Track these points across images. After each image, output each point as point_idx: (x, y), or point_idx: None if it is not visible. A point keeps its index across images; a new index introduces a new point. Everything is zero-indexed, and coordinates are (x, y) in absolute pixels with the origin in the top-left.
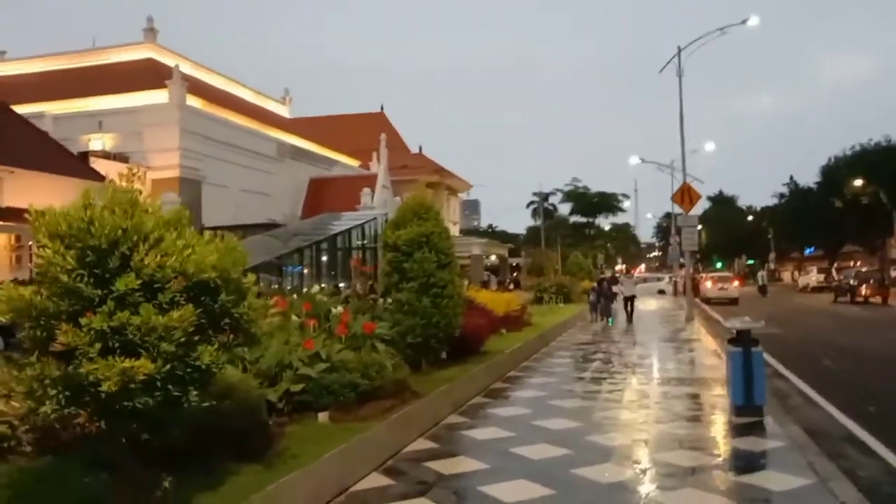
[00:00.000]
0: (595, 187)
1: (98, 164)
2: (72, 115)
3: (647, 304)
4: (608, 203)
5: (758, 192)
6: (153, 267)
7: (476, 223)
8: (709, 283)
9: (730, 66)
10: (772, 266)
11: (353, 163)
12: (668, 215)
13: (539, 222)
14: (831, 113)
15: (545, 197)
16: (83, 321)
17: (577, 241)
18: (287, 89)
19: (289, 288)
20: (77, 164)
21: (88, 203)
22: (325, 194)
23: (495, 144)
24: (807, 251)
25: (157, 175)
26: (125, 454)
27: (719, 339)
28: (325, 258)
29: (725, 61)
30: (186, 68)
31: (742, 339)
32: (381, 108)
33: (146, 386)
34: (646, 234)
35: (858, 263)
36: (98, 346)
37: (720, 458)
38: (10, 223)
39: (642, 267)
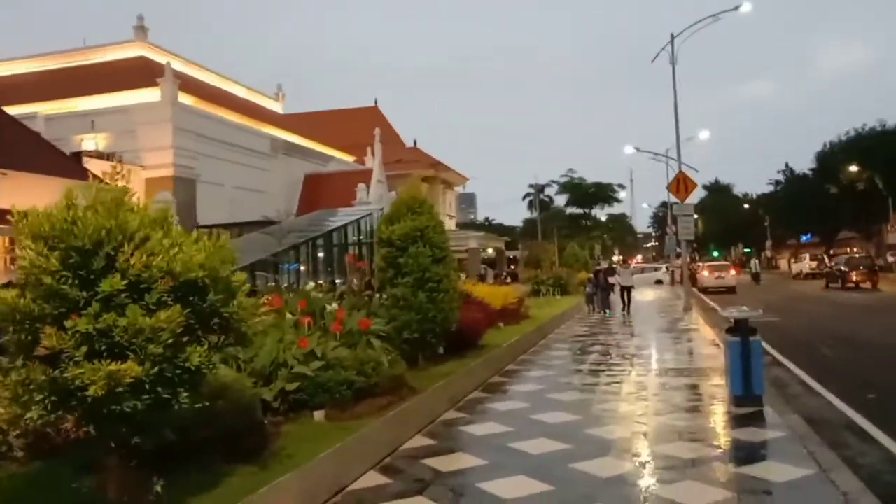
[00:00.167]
0: (591, 178)
1: (91, 164)
2: (64, 115)
3: (645, 295)
4: (604, 193)
5: (753, 179)
6: (139, 267)
7: (472, 216)
8: (706, 273)
9: (724, 55)
10: (768, 254)
11: (348, 158)
12: (664, 205)
13: (535, 214)
14: (826, 99)
15: (541, 189)
16: (68, 324)
17: (573, 232)
18: (280, 85)
19: (285, 285)
20: (70, 165)
21: (71, 203)
22: (320, 190)
23: (491, 138)
24: (803, 238)
25: (151, 174)
26: (116, 457)
27: (717, 329)
28: (321, 254)
29: (720, 50)
30: (178, 66)
31: (740, 329)
32: (375, 103)
33: (134, 389)
34: (642, 223)
35: (855, 249)
36: (84, 349)
37: (720, 450)
38: (2, 226)
39: (639, 257)
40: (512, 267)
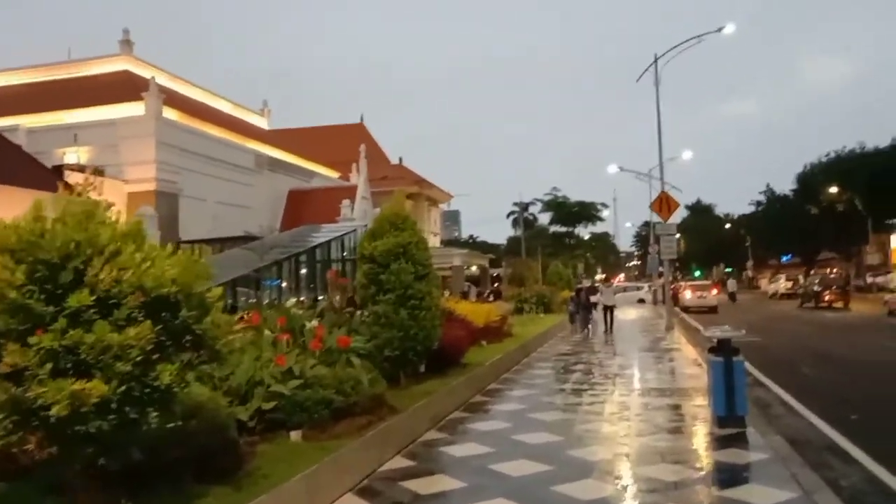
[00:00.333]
0: (574, 197)
1: (73, 178)
2: (46, 129)
3: (627, 314)
4: (587, 212)
5: (735, 199)
6: (109, 282)
7: (457, 234)
8: (688, 292)
9: (707, 76)
10: (750, 273)
11: (333, 174)
12: (646, 224)
13: (519, 232)
14: (807, 121)
15: (525, 207)
16: (32, 340)
17: (557, 250)
18: (265, 101)
19: (266, 301)
20: (51, 178)
21: (40, 214)
22: (304, 206)
23: (475, 156)
24: (784, 258)
25: (133, 188)
26: (83, 479)
27: (699, 348)
28: (304, 271)
29: (703, 70)
30: (163, 80)
31: (723, 349)
32: (361, 120)
33: (100, 409)
34: (625, 243)
35: (835, 270)
36: (49, 366)
37: (703, 472)
38: None
39: (621, 276)
40: (496, 284)
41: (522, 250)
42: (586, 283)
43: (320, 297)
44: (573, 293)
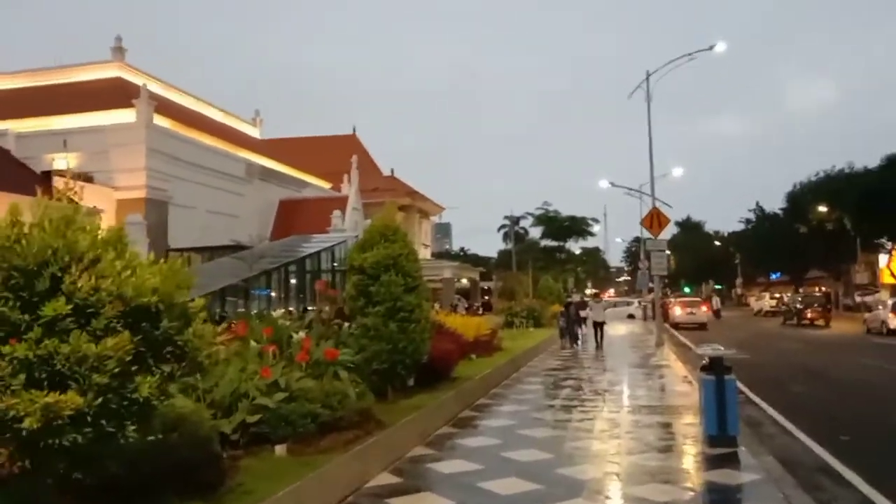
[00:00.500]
0: (565, 211)
1: (61, 184)
2: (36, 134)
3: (617, 329)
4: (578, 227)
5: (725, 217)
6: (87, 290)
7: (447, 246)
8: (678, 309)
9: (699, 94)
10: (739, 291)
11: (325, 185)
12: (637, 240)
13: (510, 246)
14: (797, 140)
15: (516, 221)
16: (6, 349)
17: (547, 264)
18: (258, 111)
19: (255, 312)
20: (39, 183)
21: (17, 219)
22: (295, 216)
23: (467, 168)
24: (773, 276)
25: (122, 195)
26: (57, 493)
27: (689, 365)
28: (294, 281)
29: (695, 88)
30: (155, 88)
31: (714, 367)
32: (353, 131)
33: (75, 422)
34: (615, 258)
35: (823, 289)
36: (22, 377)
37: (694, 493)
38: None
39: (611, 291)
40: (486, 298)
41: (513, 264)
42: (576, 298)
43: (310, 308)
44: (563, 308)
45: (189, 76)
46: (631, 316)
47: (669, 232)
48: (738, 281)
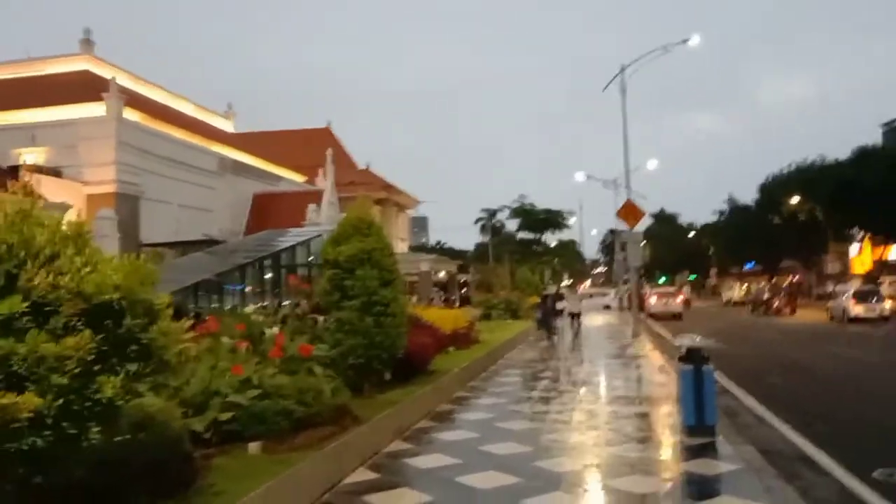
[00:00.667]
0: (541, 204)
1: (28, 179)
2: (3, 128)
3: (594, 320)
4: (554, 220)
5: (699, 209)
6: (44, 287)
7: (425, 240)
8: (653, 298)
9: (673, 88)
10: (713, 281)
11: (299, 179)
12: (612, 232)
13: (487, 239)
14: (770, 133)
15: (493, 214)
16: None
17: (524, 257)
18: (230, 104)
19: (229, 307)
20: (3, 179)
21: None
22: (269, 210)
23: (443, 162)
24: (747, 266)
25: (92, 190)
26: (17, 498)
27: (666, 355)
28: (269, 276)
29: (669, 83)
30: (125, 81)
31: (692, 357)
32: (328, 125)
33: (34, 424)
34: (591, 250)
35: (796, 278)
36: None
37: (674, 484)
38: None
39: (588, 282)
40: (464, 290)
41: (490, 256)
42: (552, 290)
43: (285, 303)
44: (540, 300)
45: (163, 73)
46: (607, 307)
47: (644, 223)
48: (713, 271)
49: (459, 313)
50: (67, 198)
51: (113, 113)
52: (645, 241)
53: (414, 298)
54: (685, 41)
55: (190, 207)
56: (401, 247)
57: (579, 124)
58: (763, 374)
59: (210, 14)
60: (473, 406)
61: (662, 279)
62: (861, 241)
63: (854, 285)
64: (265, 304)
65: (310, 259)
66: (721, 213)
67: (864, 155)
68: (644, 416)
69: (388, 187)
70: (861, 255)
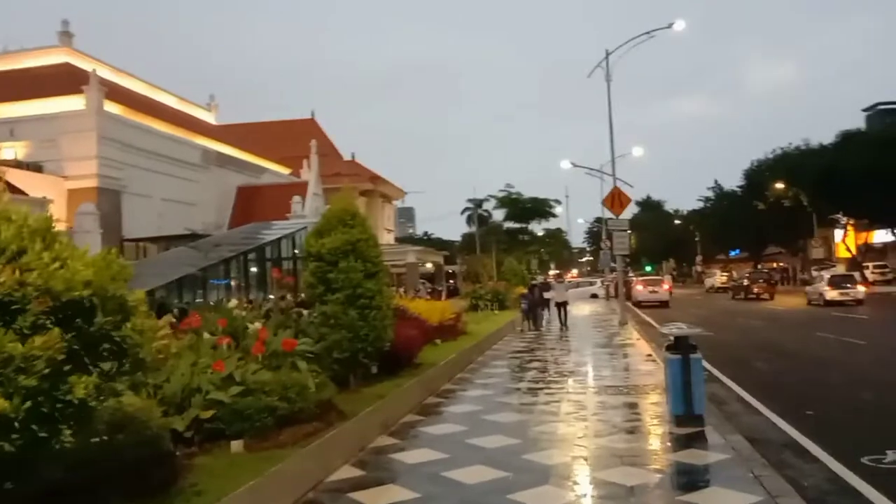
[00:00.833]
0: (528, 193)
1: (9, 175)
2: None
3: (581, 309)
4: (541, 209)
5: (684, 196)
6: (10, 285)
7: (411, 231)
8: (639, 287)
9: (658, 74)
10: (699, 268)
11: (284, 170)
12: (598, 220)
13: (474, 229)
14: (754, 119)
15: (479, 203)
16: None
17: (511, 246)
18: (212, 96)
19: (213, 302)
20: None
21: None
22: (254, 203)
23: (428, 152)
24: (732, 253)
25: (73, 185)
26: None
27: (653, 344)
28: (254, 269)
29: (654, 69)
30: (106, 73)
31: (680, 346)
32: (312, 115)
33: (1, 428)
34: (577, 239)
35: (781, 264)
36: None
37: (663, 475)
38: None
39: (574, 271)
40: (451, 281)
41: (477, 246)
42: (540, 279)
43: (270, 296)
44: (526, 289)
45: (145, 64)
46: (594, 295)
47: (630, 211)
48: (698, 259)
49: (446, 305)
50: (48, 193)
51: (93, 106)
52: (630, 231)
53: (401, 290)
54: (670, 25)
55: (173, 201)
56: (387, 238)
57: (564, 111)
58: (749, 360)
59: (189, 4)
60: (461, 398)
61: (648, 268)
62: (845, 226)
63: (833, 271)
64: (251, 298)
65: (295, 252)
66: (707, 199)
67: (847, 139)
68: (632, 406)
69: (375, 178)
70: (845, 239)
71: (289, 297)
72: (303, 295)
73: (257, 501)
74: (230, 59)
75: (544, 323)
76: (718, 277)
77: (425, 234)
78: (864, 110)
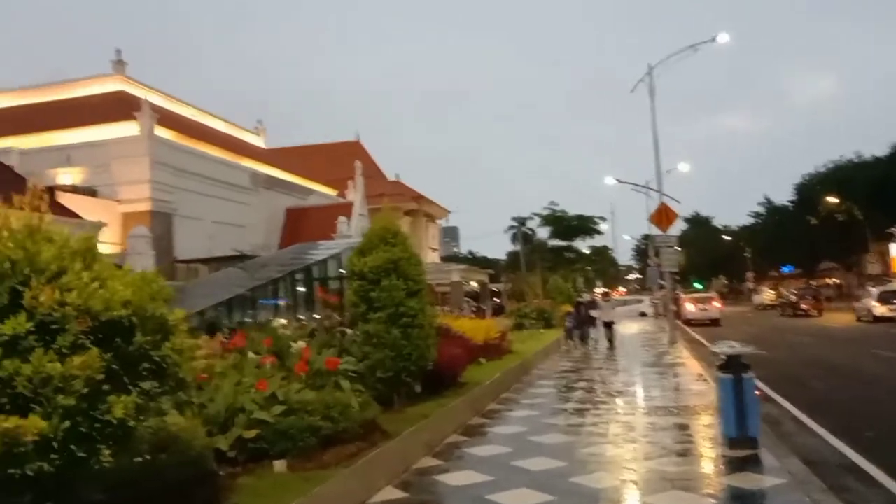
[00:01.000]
0: (572, 210)
1: (65, 199)
2: (39, 150)
3: (629, 328)
4: (586, 226)
5: (733, 212)
6: (50, 305)
7: (455, 250)
8: (689, 305)
9: (703, 89)
10: (750, 285)
11: (330, 192)
12: (645, 237)
13: (518, 247)
14: (804, 132)
15: (523, 221)
16: None
17: (556, 264)
18: (260, 120)
19: (261, 322)
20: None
21: None
22: (302, 224)
23: (473, 171)
24: (785, 269)
25: (127, 208)
26: None
27: (704, 363)
28: (301, 289)
29: (699, 83)
30: (157, 100)
31: (732, 366)
32: (357, 137)
33: (40, 448)
34: (623, 256)
35: (835, 280)
36: None
37: (716, 500)
38: None
39: (622, 289)
40: (496, 300)
41: (522, 265)
42: (586, 298)
43: (315, 316)
44: (573, 308)
45: (191, 90)
46: (643, 314)
47: (678, 228)
48: (750, 275)
49: (491, 323)
50: (103, 217)
51: (146, 131)
52: (678, 248)
53: (446, 308)
54: (713, 39)
55: (224, 223)
56: (432, 257)
57: (613, 126)
58: (801, 378)
59: (230, 28)
60: (506, 419)
61: (698, 284)
62: None
63: (888, 287)
64: (301, 317)
65: (341, 271)
66: (757, 215)
67: None
68: (683, 428)
69: (419, 198)
70: None
71: (335, 315)
72: (347, 314)
73: None
74: (281, 84)
75: (591, 342)
76: (766, 294)
77: (470, 252)
78: None
